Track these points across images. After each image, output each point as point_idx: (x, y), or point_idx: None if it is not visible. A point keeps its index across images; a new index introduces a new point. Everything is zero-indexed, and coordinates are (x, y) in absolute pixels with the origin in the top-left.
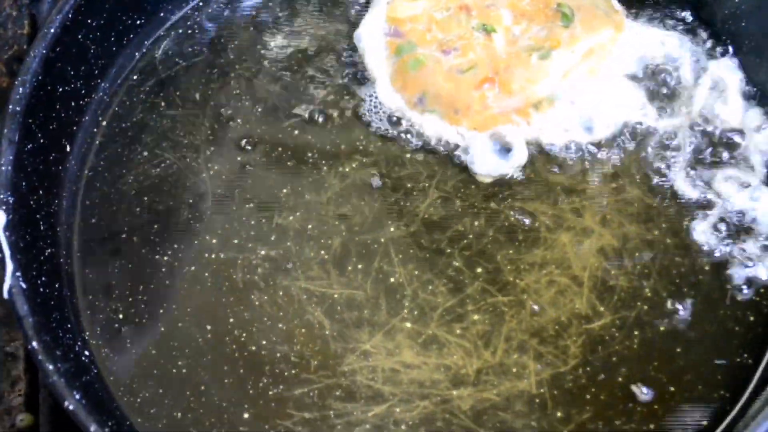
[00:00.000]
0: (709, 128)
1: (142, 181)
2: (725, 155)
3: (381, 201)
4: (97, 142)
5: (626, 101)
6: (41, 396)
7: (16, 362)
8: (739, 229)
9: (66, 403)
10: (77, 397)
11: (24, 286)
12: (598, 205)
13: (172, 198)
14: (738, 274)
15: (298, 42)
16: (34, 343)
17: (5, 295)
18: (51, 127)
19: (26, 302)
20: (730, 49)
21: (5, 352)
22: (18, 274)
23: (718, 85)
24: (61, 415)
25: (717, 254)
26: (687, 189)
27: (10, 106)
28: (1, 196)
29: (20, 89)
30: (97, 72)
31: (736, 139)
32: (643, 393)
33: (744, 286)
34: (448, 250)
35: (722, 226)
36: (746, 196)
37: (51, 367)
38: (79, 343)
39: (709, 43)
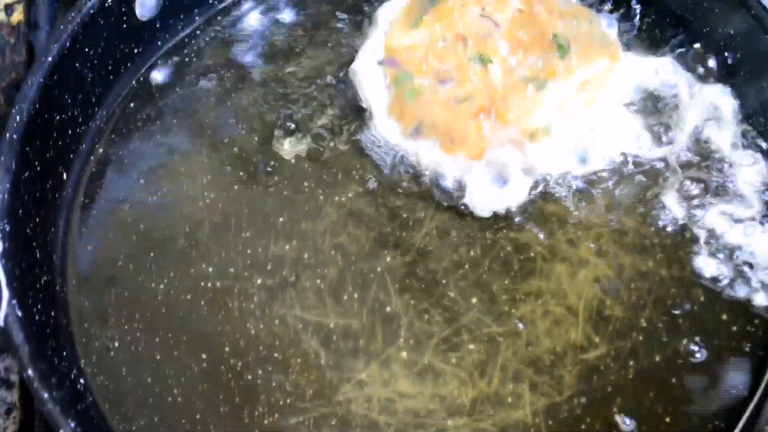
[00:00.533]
0: (704, 157)
1: (139, 209)
2: (719, 187)
3: (377, 231)
4: (94, 169)
5: (622, 131)
6: (36, 423)
7: (11, 389)
8: (734, 262)
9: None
10: (72, 425)
11: (20, 314)
12: (594, 235)
13: (169, 226)
14: (733, 305)
15: (296, 70)
16: (30, 371)
17: (0, 323)
18: (48, 154)
19: (22, 330)
20: (725, 75)
21: (1, 379)
22: (14, 302)
23: (711, 109)
24: None
25: (712, 285)
26: (682, 221)
27: (7, 134)
28: None
29: (17, 117)
30: (94, 100)
31: (729, 169)
32: (625, 424)
33: (739, 317)
34: (444, 280)
35: (717, 259)
36: (740, 231)
37: (46, 395)
38: (74, 371)
39: (702, 71)
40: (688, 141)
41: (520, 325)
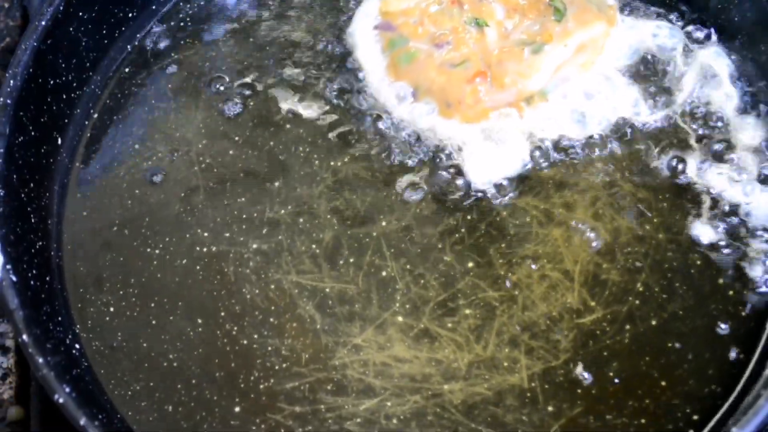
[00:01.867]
0: (701, 121)
1: (134, 174)
2: (717, 148)
3: (373, 195)
4: (88, 134)
5: (618, 95)
6: (32, 389)
7: (7, 354)
8: (732, 224)
9: (56, 397)
10: (67, 390)
11: (14, 278)
12: (590, 199)
13: (164, 191)
14: (730, 269)
15: (290, 34)
16: (24, 336)
17: None
18: (42, 119)
19: (16, 295)
20: (721, 38)
21: None
22: (8, 267)
23: (708, 72)
24: (51, 407)
25: (708, 249)
26: (679, 184)
27: (1, 99)
28: None
29: (11, 81)
30: (88, 64)
31: (727, 131)
32: (584, 378)
33: (736, 282)
34: (440, 245)
35: (714, 221)
36: (739, 190)
37: (41, 360)
38: (69, 337)
39: (699, 34)
40: (685, 104)
41: (516, 290)
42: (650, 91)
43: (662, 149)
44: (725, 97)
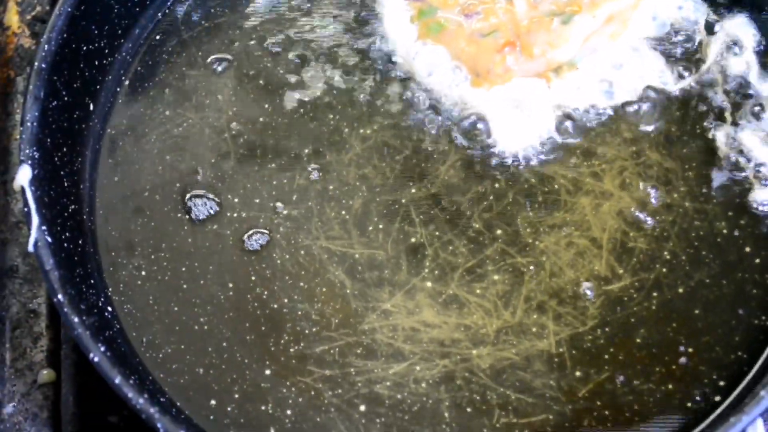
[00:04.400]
0: (727, 89)
1: (165, 140)
2: (745, 113)
3: (402, 162)
4: (120, 101)
5: (645, 65)
6: (63, 352)
7: (39, 318)
8: (760, 191)
9: (91, 356)
10: (102, 349)
11: (49, 239)
12: (618, 168)
13: (194, 157)
14: (757, 237)
15: (321, 3)
16: (60, 296)
17: (30, 248)
18: (75, 85)
19: (52, 256)
20: (747, 9)
21: (28, 309)
22: (44, 228)
23: (733, 42)
24: (82, 370)
25: (735, 217)
26: (706, 151)
27: (36, 63)
28: (27, 151)
29: (46, 47)
30: (120, 32)
31: (754, 98)
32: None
33: (762, 249)
34: (468, 212)
35: (741, 188)
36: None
37: (76, 319)
38: (102, 299)
39: (726, 2)
40: (710, 72)
41: (544, 257)
42: (676, 61)
43: (689, 118)
44: (749, 66)
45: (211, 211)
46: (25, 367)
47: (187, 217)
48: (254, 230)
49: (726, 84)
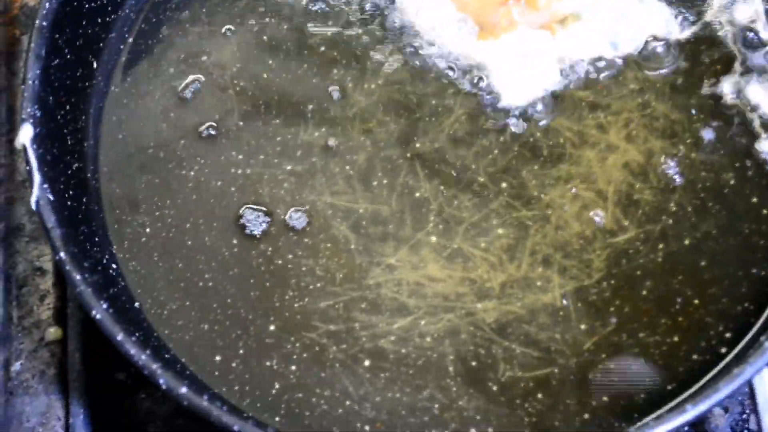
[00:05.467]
0: (734, 37)
1: (169, 98)
2: (752, 63)
3: (406, 117)
4: (123, 58)
5: (651, 15)
6: (69, 309)
7: (45, 276)
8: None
9: (93, 313)
10: (104, 306)
11: (51, 198)
12: (623, 120)
13: (198, 114)
14: (763, 188)
15: None
16: (62, 254)
17: (33, 206)
18: (77, 43)
19: (54, 214)
20: None
21: (34, 267)
22: (45, 186)
23: None
24: (89, 327)
25: (742, 167)
26: (712, 101)
27: (37, 21)
28: (29, 110)
29: (47, 4)
30: None
31: (762, 45)
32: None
33: None
34: (473, 166)
35: (749, 139)
36: None
37: (79, 277)
38: (106, 257)
39: None
40: (718, 23)
41: (549, 210)
42: (682, 11)
43: (695, 68)
44: (757, 14)
45: (216, 168)
46: (32, 325)
47: (192, 173)
48: (259, 186)
49: (733, 34)
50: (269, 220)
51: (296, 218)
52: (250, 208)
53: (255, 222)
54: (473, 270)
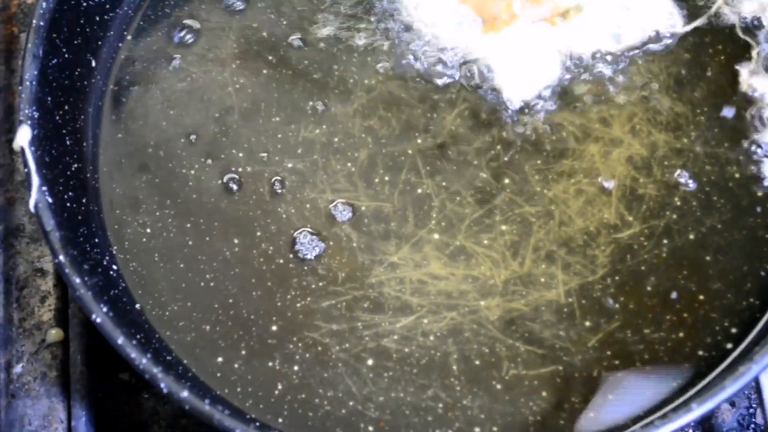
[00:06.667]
0: (739, 29)
1: (168, 96)
2: (757, 55)
3: (407, 113)
4: (122, 56)
5: (653, 7)
6: (71, 310)
7: (46, 278)
8: None
9: (93, 317)
10: (104, 310)
11: (50, 200)
12: (627, 114)
13: (198, 112)
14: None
15: None
16: (61, 257)
17: (31, 209)
18: (76, 42)
19: (52, 216)
20: None
21: (35, 268)
22: (44, 188)
23: None
24: (90, 329)
25: (746, 162)
26: (717, 95)
27: (34, 21)
28: (26, 111)
29: (44, 4)
30: None
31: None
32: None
33: None
34: (476, 162)
35: (753, 133)
36: None
37: (78, 280)
38: (106, 258)
39: None
40: (722, 15)
41: (553, 206)
42: (685, 3)
43: (699, 61)
44: (763, 6)
45: (217, 166)
46: (33, 327)
47: (192, 172)
48: (260, 185)
49: (737, 25)
50: (271, 219)
51: None
52: None
53: None
54: (476, 267)
